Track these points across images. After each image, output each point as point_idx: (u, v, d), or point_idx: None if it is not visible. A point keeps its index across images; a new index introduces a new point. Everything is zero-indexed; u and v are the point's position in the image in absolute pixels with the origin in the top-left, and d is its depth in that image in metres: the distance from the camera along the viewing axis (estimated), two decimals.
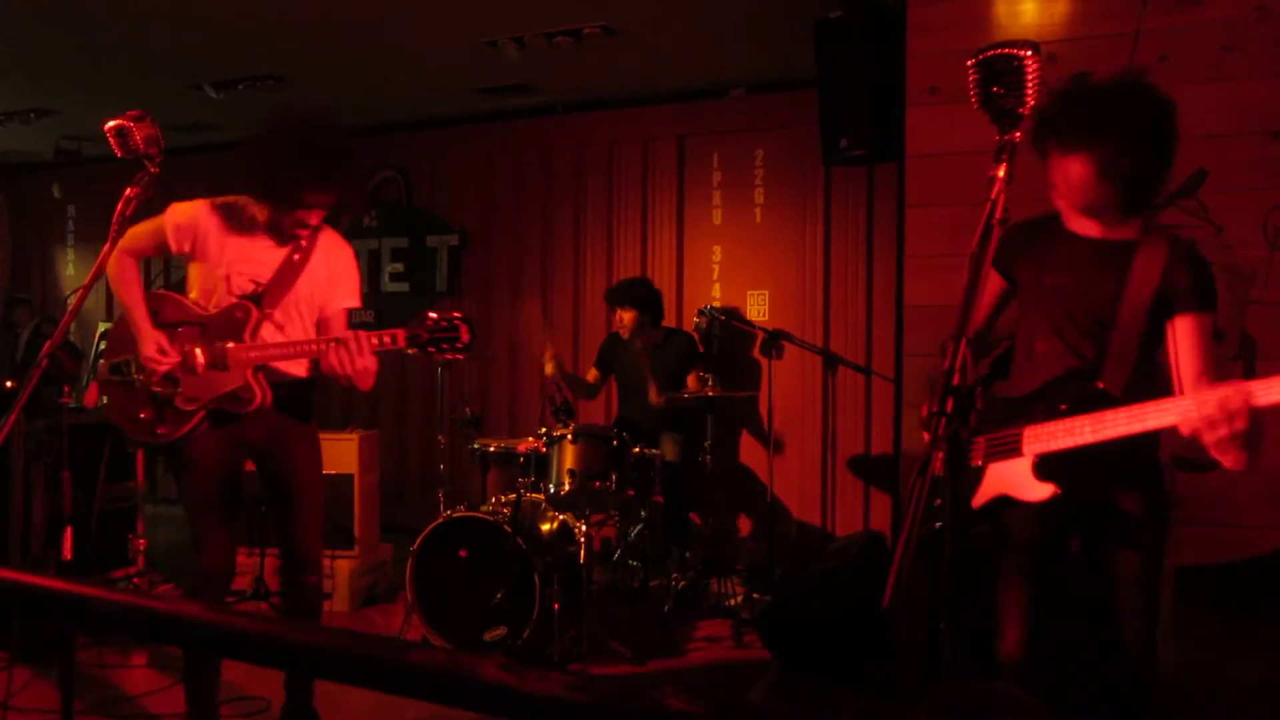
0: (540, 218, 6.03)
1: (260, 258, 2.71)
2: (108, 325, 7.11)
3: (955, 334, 1.23)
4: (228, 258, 2.68)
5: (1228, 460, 1.75)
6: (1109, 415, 1.84)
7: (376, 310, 6.42)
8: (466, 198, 6.23)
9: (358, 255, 6.34)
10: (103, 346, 7.00)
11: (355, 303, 2.86)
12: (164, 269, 7.09)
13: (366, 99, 5.80)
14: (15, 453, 3.78)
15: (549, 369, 4.64)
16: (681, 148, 5.65)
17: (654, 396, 4.68)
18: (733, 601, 4.40)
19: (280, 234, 2.72)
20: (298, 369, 2.79)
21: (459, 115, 6.12)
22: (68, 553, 2.20)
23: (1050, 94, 1.94)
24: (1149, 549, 1.97)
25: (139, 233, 2.69)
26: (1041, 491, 1.95)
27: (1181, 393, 1.92)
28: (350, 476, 4.60)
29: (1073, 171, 1.93)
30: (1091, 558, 2.06)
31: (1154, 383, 2.02)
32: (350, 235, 6.43)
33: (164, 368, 2.60)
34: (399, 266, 6.38)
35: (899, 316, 3.57)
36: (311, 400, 2.90)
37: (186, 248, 2.70)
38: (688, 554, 4.71)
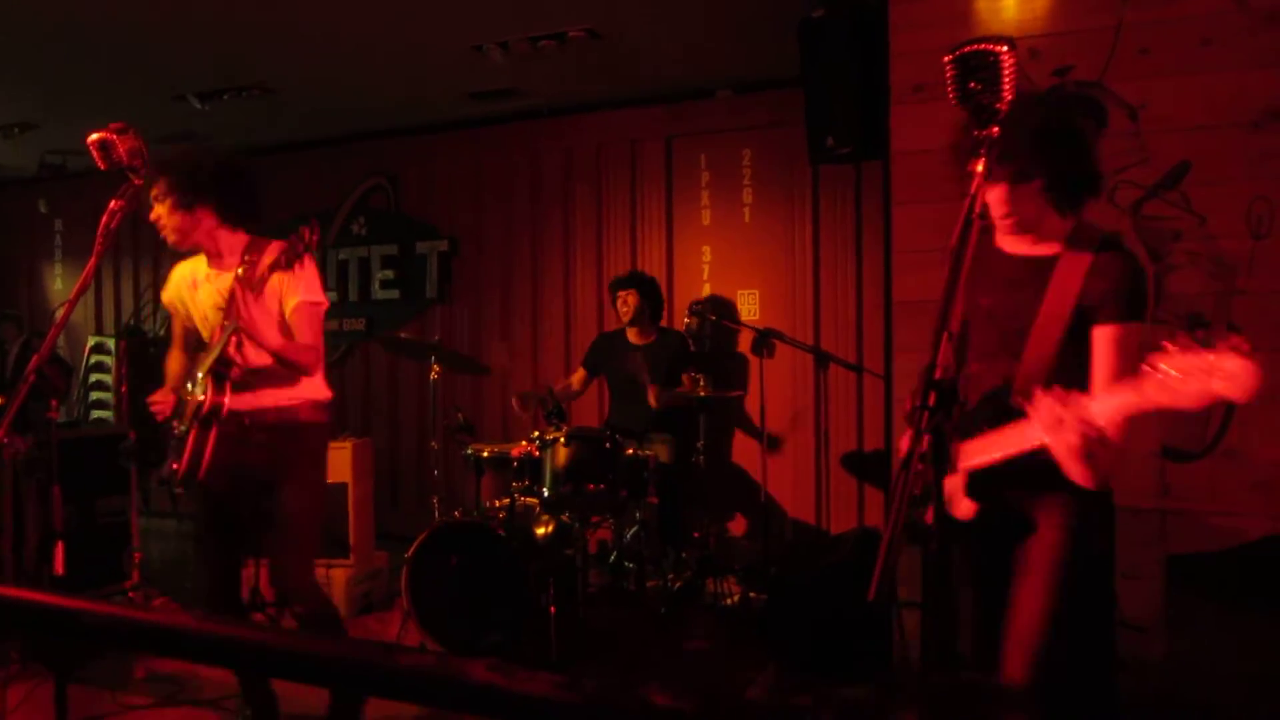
0: (529, 221, 6.04)
1: (211, 292, 2.82)
2: (98, 339, 7.10)
3: (937, 328, 1.24)
4: (192, 313, 2.87)
5: (1071, 472, 1.75)
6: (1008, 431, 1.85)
7: (368, 318, 6.42)
8: (455, 203, 6.23)
9: (346, 263, 6.32)
10: (92, 360, 6.99)
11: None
12: (153, 293, 7.09)
13: (353, 106, 5.80)
14: (4, 468, 3.76)
15: (515, 407, 4.66)
16: (669, 149, 5.66)
17: (654, 400, 4.69)
18: (729, 601, 4.41)
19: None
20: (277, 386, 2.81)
21: (446, 121, 6.12)
22: (59, 567, 2.20)
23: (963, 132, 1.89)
24: (1050, 547, 1.93)
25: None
26: (966, 508, 1.96)
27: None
28: (344, 485, 4.60)
29: (993, 196, 1.91)
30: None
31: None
32: (340, 243, 6.48)
33: (161, 408, 2.79)
34: (389, 273, 6.37)
35: (888, 313, 3.59)
36: (308, 429, 2.87)
37: (181, 310, 2.89)
38: (683, 555, 4.71)
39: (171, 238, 2.71)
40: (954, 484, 1.98)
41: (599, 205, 5.84)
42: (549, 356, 5.97)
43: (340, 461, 4.62)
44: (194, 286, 2.84)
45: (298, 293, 2.73)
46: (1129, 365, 1.80)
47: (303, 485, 2.82)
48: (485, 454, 4.33)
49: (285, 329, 2.73)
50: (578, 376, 5.09)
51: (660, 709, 0.81)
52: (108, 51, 4.75)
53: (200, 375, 2.67)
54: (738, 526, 5.45)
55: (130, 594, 4.35)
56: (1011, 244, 2.03)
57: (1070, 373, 1.90)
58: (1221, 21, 3.09)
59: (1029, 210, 1.91)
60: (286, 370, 2.71)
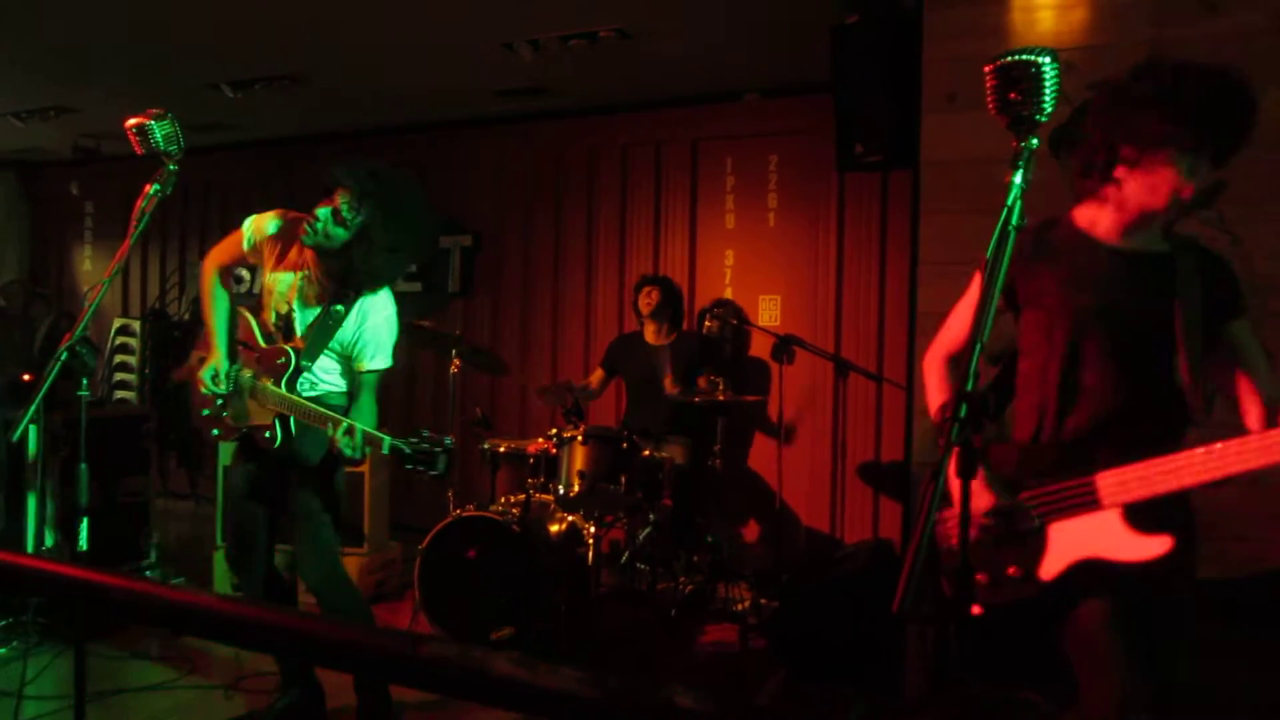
0: (553, 220, 6.05)
1: (304, 287, 2.80)
2: (123, 321, 7.17)
3: (970, 341, 1.24)
4: (277, 278, 2.81)
5: None
6: (1218, 451, 1.63)
7: None
8: (480, 199, 6.26)
9: None
10: (117, 342, 7.07)
11: (385, 364, 2.86)
12: (179, 278, 7.16)
13: (381, 99, 5.83)
14: (28, 446, 3.81)
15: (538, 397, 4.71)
16: (695, 151, 5.66)
17: (669, 386, 4.70)
18: (740, 606, 4.40)
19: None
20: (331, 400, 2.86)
21: (474, 117, 6.14)
22: (84, 544, 2.22)
23: (1131, 92, 1.80)
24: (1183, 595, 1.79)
25: (224, 243, 2.89)
26: (1154, 546, 1.71)
27: (1246, 403, 1.79)
28: (360, 475, 4.63)
29: (1159, 176, 1.76)
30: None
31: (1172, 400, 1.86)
32: None
33: (212, 390, 2.81)
34: (412, 267, 6.39)
35: (912, 324, 3.56)
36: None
37: (255, 259, 2.85)
38: (695, 558, 4.71)
39: (312, 241, 2.66)
40: (1096, 526, 1.75)
41: (623, 206, 5.85)
42: (568, 355, 5.98)
43: None
44: (291, 264, 2.79)
45: (382, 357, 2.88)
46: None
47: (324, 477, 2.88)
48: (502, 449, 4.35)
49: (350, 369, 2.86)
50: (596, 377, 5.10)
51: (682, 709, 0.81)
52: (144, 38, 4.80)
53: (265, 403, 2.75)
54: (751, 532, 5.44)
55: (148, 573, 4.39)
56: (1116, 236, 1.88)
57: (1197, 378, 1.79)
58: (1260, 39, 3.06)
59: (1174, 202, 1.79)
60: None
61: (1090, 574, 1.76)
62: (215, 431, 2.86)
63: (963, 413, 1.19)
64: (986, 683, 1.50)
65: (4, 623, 3.74)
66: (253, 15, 4.43)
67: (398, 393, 6.46)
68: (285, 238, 2.78)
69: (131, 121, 2.31)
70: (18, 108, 6.13)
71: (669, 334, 4.96)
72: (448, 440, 2.55)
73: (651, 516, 4.36)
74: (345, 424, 2.56)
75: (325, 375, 2.83)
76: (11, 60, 5.16)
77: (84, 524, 2.18)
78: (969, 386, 1.19)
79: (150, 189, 2.25)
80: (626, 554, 4.58)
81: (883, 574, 3.77)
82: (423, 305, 6.38)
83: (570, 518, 4.10)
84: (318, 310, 2.75)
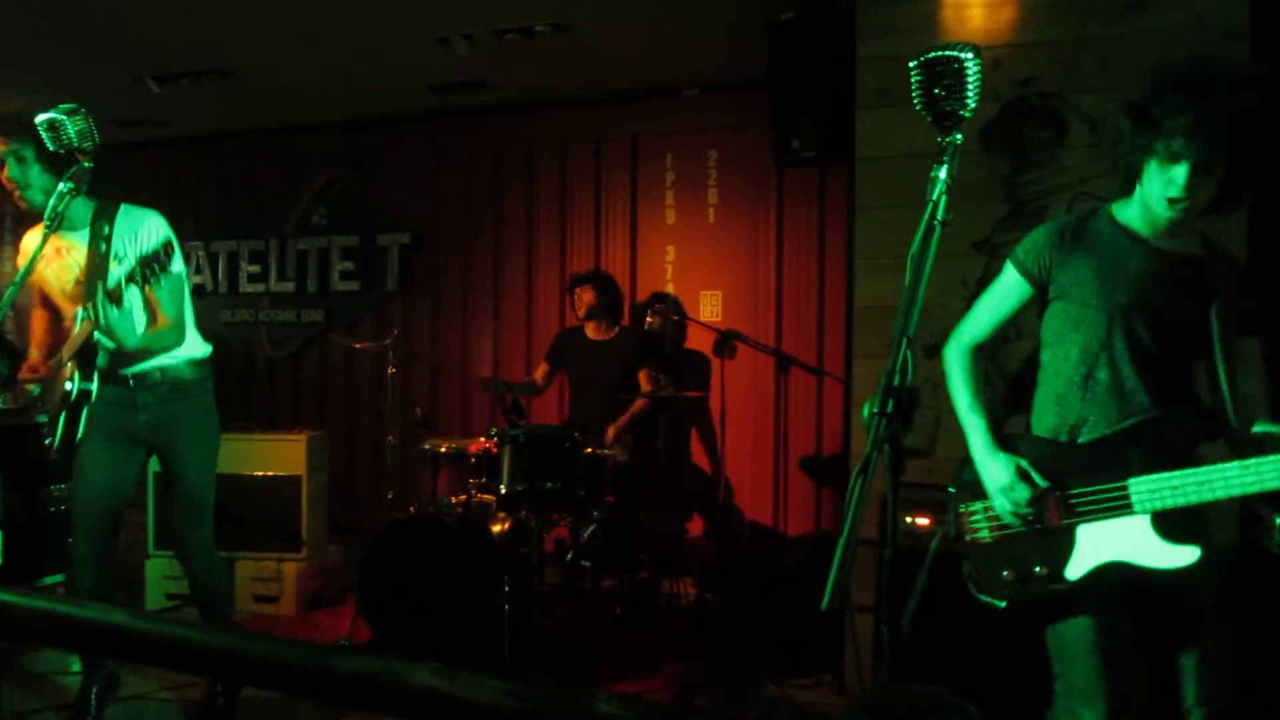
0: (492, 216, 5.99)
1: (70, 262, 2.78)
2: None
3: (896, 334, 1.24)
4: (47, 276, 2.85)
5: None
6: (1253, 466, 1.63)
7: (327, 309, 6.32)
8: (418, 196, 6.16)
9: (306, 253, 6.20)
10: None
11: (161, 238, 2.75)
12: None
13: (315, 94, 5.71)
14: None
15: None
16: (635, 147, 5.65)
17: (611, 437, 4.68)
18: (685, 602, 4.40)
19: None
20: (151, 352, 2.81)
21: (410, 112, 6.04)
22: None
23: (1154, 92, 1.80)
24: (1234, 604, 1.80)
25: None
26: (1182, 555, 1.72)
27: (1240, 418, 1.80)
28: (298, 478, 4.53)
29: (1179, 176, 1.76)
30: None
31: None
32: (299, 233, 6.37)
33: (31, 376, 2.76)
34: (349, 265, 6.28)
35: (850, 318, 3.60)
36: (201, 388, 2.92)
37: (38, 283, 2.86)
38: (640, 555, 4.70)
39: (26, 199, 2.65)
40: (1125, 530, 1.76)
41: (563, 202, 5.81)
42: (510, 352, 5.93)
43: (294, 454, 4.55)
44: (55, 256, 2.78)
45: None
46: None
47: (193, 442, 2.86)
48: (443, 449, 4.29)
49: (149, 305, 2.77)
50: (541, 371, 5.06)
51: (605, 717, 0.79)
52: (63, 30, 4.62)
53: (66, 360, 2.65)
54: (695, 527, 5.45)
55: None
56: (1155, 235, 1.88)
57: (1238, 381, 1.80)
58: (1181, 40, 3.14)
59: (1198, 200, 1.78)
60: None
61: (1114, 578, 1.78)
62: (48, 442, 2.75)
63: (890, 408, 1.19)
64: (920, 683, 1.51)
65: None
66: (177, 6, 4.29)
67: (337, 395, 6.34)
68: (35, 242, 2.69)
69: (42, 117, 2.22)
70: None
71: (609, 329, 4.94)
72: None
73: (595, 514, 4.35)
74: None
75: (136, 314, 2.77)
76: None
77: None
78: (895, 381, 1.19)
79: (63, 187, 2.17)
80: (571, 552, 4.55)
81: (826, 567, 3.80)
82: (361, 304, 6.27)
83: (512, 517, 4.07)
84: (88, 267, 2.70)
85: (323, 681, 0.86)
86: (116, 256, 2.68)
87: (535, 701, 0.82)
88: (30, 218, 2.69)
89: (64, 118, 2.24)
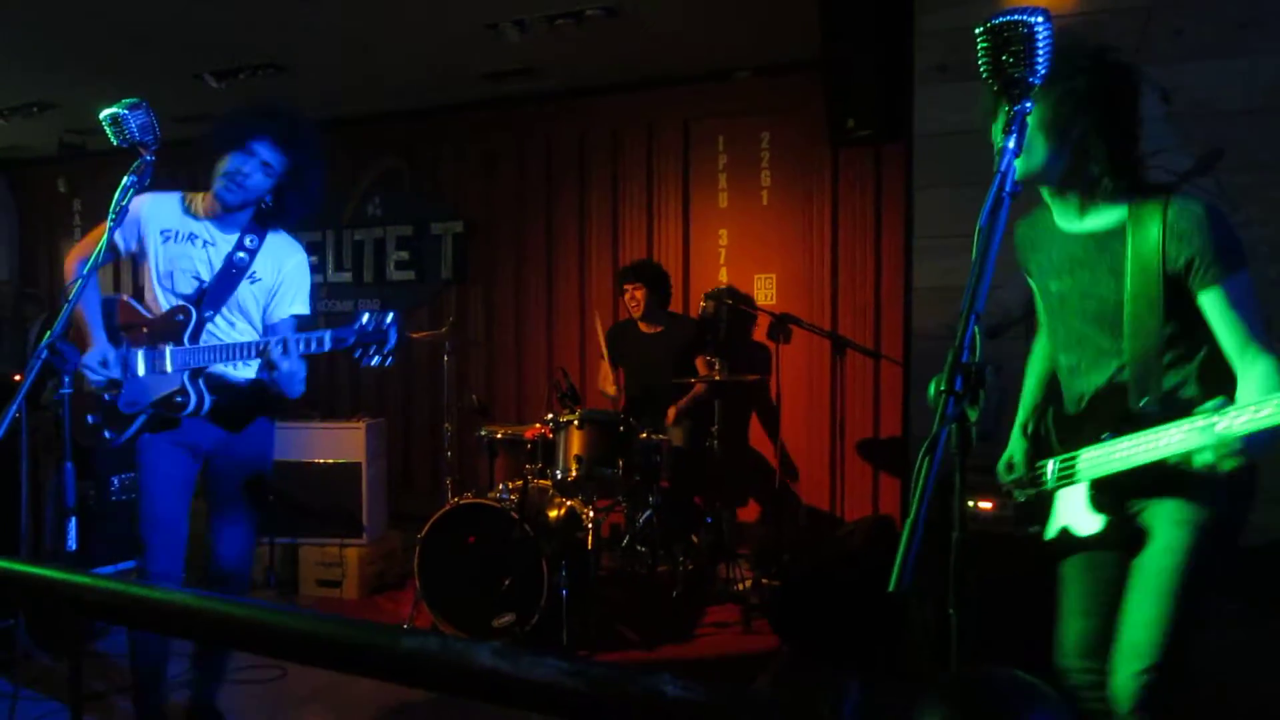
0: (544, 203, 6.00)
1: (199, 254, 2.68)
2: None
3: (964, 310, 1.20)
4: (170, 254, 2.67)
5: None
6: (1150, 435, 1.71)
7: (381, 299, 6.41)
8: (471, 184, 6.20)
9: (361, 244, 6.24)
10: None
11: (303, 309, 2.80)
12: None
13: (368, 87, 5.77)
14: (21, 445, 3.78)
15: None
16: (686, 131, 5.60)
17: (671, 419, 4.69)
18: (741, 587, 4.38)
19: (219, 216, 2.70)
20: (245, 372, 2.76)
21: (462, 102, 6.08)
22: (72, 543, 2.19)
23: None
24: (1182, 558, 1.80)
25: (88, 238, 2.73)
26: (1091, 524, 1.85)
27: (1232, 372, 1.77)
28: (358, 464, 4.60)
29: (1034, 149, 1.78)
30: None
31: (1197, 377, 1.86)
32: (355, 224, 6.46)
33: (98, 379, 2.62)
34: (404, 254, 6.35)
35: (908, 299, 3.53)
36: (261, 403, 2.82)
37: (133, 246, 2.70)
38: (695, 539, 4.69)
39: (239, 196, 2.62)
40: (1074, 497, 1.89)
41: (615, 187, 5.80)
42: (563, 338, 5.95)
43: (353, 441, 4.62)
44: (189, 241, 2.68)
45: (301, 303, 2.77)
46: (1257, 315, 1.70)
47: (256, 455, 2.82)
48: (499, 435, 4.32)
49: (268, 323, 2.76)
50: (611, 377, 5.03)
51: (669, 699, 0.78)
52: (127, 30, 4.73)
53: (169, 368, 2.59)
54: (751, 512, 5.42)
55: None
56: (1067, 219, 1.90)
57: (1182, 353, 1.80)
58: (1261, 4, 3.00)
59: (1080, 178, 1.81)
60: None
61: (1064, 539, 1.94)
62: (108, 434, 2.64)
63: (957, 386, 1.15)
64: (997, 665, 1.51)
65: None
66: (233, 3, 4.36)
67: (395, 382, 6.42)
68: (164, 213, 2.69)
69: (106, 112, 2.26)
70: (0, 105, 6.07)
71: (659, 322, 4.91)
72: (389, 314, 2.41)
73: (650, 499, 4.34)
74: (274, 341, 2.45)
75: (235, 331, 2.73)
76: None
77: (72, 524, 2.14)
78: (964, 358, 1.16)
79: (126, 181, 2.21)
80: (626, 537, 4.56)
81: (883, 551, 3.76)
82: (416, 293, 6.34)
83: (569, 502, 4.08)
84: (220, 267, 2.67)
85: (389, 661, 0.86)
86: (253, 276, 2.69)
87: (599, 682, 0.81)
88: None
89: (126, 112, 2.27)
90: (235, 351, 2.55)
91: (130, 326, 2.69)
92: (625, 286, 4.88)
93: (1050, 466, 1.98)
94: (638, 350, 4.90)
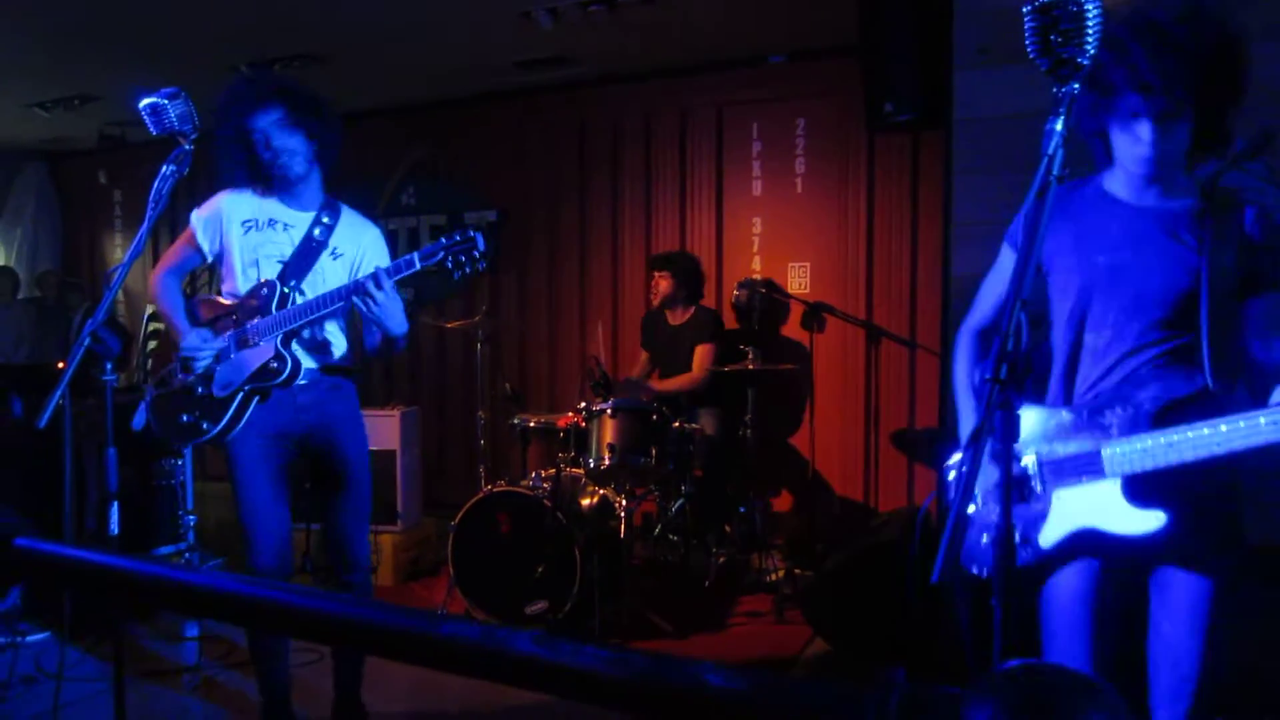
0: (577, 192, 5.99)
1: (280, 238, 2.71)
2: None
3: (1011, 297, 1.17)
4: (252, 242, 2.70)
5: None
6: (1227, 423, 1.55)
7: (416, 288, 6.44)
8: (504, 173, 6.21)
9: (396, 233, 6.29)
10: (150, 328, 7.13)
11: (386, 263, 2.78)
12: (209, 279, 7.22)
13: (402, 77, 5.79)
14: (66, 431, 3.85)
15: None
16: (720, 118, 5.56)
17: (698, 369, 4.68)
18: (773, 577, 4.37)
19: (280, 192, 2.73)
20: (334, 349, 2.77)
21: (495, 90, 6.08)
22: (115, 528, 2.23)
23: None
24: (1219, 574, 1.71)
25: (172, 250, 2.79)
26: (1147, 521, 1.65)
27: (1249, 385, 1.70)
28: (392, 452, 4.64)
29: (1139, 129, 1.68)
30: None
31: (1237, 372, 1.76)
32: (389, 213, 6.49)
33: (205, 355, 2.64)
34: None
35: (946, 287, 3.48)
36: (353, 387, 2.87)
37: (217, 244, 2.73)
38: (728, 529, 4.67)
39: (298, 169, 2.66)
40: (1096, 495, 1.70)
41: (648, 175, 5.77)
42: (596, 328, 5.94)
43: (388, 429, 4.66)
44: (268, 224, 2.71)
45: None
46: None
47: (353, 440, 2.82)
48: (532, 424, 4.34)
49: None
50: (642, 363, 5.04)
51: (713, 688, 0.77)
52: (166, 23, 4.79)
53: (260, 340, 2.62)
54: (784, 502, 5.40)
55: (186, 556, 4.44)
56: (1133, 192, 1.80)
57: (1238, 345, 1.72)
58: None
59: (1174, 153, 1.71)
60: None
61: (1085, 545, 1.74)
62: (206, 425, 2.62)
63: (1003, 374, 1.13)
64: (1048, 663, 1.46)
65: (43, 608, 3.81)
66: None
67: (429, 371, 6.47)
68: (242, 206, 2.72)
69: (145, 101, 2.29)
70: (42, 97, 6.17)
71: (686, 310, 4.89)
72: (470, 230, 2.45)
73: (683, 488, 4.34)
74: (369, 275, 2.49)
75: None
76: (32, 47, 5.18)
77: (114, 508, 2.18)
78: (1009, 346, 1.13)
79: (166, 170, 2.23)
80: (659, 526, 4.56)
81: (919, 543, 3.72)
82: (449, 282, 6.36)
83: (601, 491, 4.09)
84: (299, 244, 2.70)
85: (430, 647, 0.86)
86: (335, 252, 2.72)
87: (639, 670, 0.81)
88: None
89: (166, 102, 2.30)
90: (326, 300, 2.56)
91: (215, 319, 2.72)
92: (653, 274, 4.88)
93: (1062, 462, 1.79)
94: (664, 339, 4.89)
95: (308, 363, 2.69)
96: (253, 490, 2.66)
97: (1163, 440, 1.62)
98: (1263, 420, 1.52)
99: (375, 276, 2.49)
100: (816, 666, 3.53)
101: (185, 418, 2.66)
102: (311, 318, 2.60)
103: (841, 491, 5.28)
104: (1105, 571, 1.78)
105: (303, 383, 2.67)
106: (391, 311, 2.54)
